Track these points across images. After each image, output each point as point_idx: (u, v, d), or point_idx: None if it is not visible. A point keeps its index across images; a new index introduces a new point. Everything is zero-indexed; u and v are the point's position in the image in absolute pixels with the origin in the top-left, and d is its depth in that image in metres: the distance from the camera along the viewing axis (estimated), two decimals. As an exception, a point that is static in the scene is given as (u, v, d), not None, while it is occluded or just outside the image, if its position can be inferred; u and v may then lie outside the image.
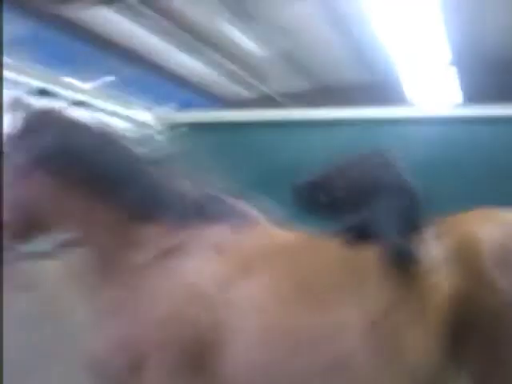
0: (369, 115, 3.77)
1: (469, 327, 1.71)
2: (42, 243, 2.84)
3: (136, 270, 2.08)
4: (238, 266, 2.02)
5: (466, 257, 1.77)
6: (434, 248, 1.84)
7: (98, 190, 2.18)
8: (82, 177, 2.18)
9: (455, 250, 1.80)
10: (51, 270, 3.13)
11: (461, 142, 3.45)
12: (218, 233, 2.14)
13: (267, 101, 14.91)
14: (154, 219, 2.15)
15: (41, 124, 2.28)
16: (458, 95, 13.05)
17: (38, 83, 3.28)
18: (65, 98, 3.49)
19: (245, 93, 14.90)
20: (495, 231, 1.79)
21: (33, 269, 2.99)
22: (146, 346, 1.93)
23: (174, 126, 4.23)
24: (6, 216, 2.23)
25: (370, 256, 1.90)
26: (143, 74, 13.28)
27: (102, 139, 2.29)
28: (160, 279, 2.03)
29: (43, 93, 3.32)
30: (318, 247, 2.03)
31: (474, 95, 11.45)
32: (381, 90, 12.99)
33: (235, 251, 2.09)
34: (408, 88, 12.95)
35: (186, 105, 15.23)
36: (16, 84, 3.15)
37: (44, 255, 2.97)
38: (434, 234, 1.89)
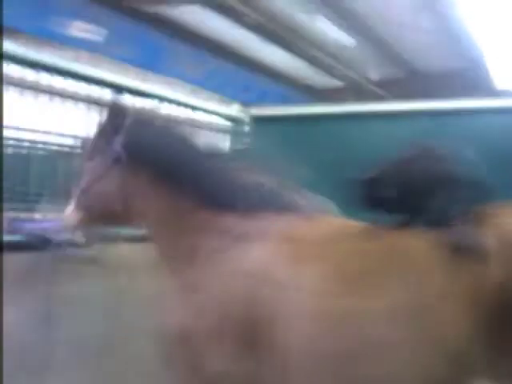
0: (448, 106, 3.69)
1: (506, 316, 1.73)
2: (126, 229, 3.13)
3: (210, 255, 2.30)
4: (300, 253, 2.18)
5: (509, 248, 1.79)
6: (485, 237, 1.87)
7: (177, 182, 2.45)
8: (164, 171, 2.46)
9: (505, 241, 1.83)
10: (134, 254, 3.40)
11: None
12: (287, 220, 2.31)
13: (356, 89, 14.75)
14: (226, 209, 2.37)
15: (126, 123, 2.56)
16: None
17: (126, 80, 3.48)
18: (153, 95, 3.68)
19: (335, 82, 14.81)
20: None
21: (117, 252, 3.28)
22: (220, 320, 2.15)
23: (259, 119, 4.36)
24: (94, 204, 2.57)
25: (421, 243, 1.96)
26: (232, 68, 13.61)
27: (181, 136, 2.56)
28: (236, 262, 2.23)
29: (132, 91, 3.54)
30: (373, 235, 2.11)
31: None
32: (470, 77, 12.48)
33: (302, 237, 2.24)
34: (497, 76, 12.30)
35: (276, 97, 15.46)
36: (104, 82, 3.34)
37: (128, 240, 3.26)
38: (485, 223, 1.92)
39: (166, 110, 3.81)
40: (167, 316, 2.34)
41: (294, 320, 2.04)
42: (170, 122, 2.72)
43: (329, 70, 13.80)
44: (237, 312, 2.14)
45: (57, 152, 3.79)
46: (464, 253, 1.86)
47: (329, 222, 2.37)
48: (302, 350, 2.02)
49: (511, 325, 1.74)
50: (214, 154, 2.55)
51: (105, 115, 2.63)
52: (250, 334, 2.11)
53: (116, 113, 2.58)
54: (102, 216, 2.61)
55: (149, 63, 12.17)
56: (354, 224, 2.34)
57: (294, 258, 2.17)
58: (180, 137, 2.56)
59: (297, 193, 2.46)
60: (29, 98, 3.05)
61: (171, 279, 2.47)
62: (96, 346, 3.18)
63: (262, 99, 14.38)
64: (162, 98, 3.65)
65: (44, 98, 2.98)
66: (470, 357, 1.80)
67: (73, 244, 2.72)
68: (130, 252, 3.40)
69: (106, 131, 2.60)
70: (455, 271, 1.85)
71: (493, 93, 12.18)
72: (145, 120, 2.64)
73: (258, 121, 4.37)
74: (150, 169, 2.48)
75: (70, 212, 2.66)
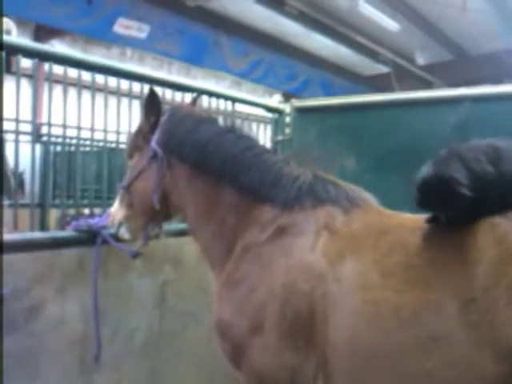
0: (495, 91, 3.54)
1: None
2: (179, 223, 3.18)
3: (257, 247, 2.33)
4: (347, 245, 2.17)
5: None
6: None
7: (216, 176, 2.48)
8: (201, 165, 2.50)
9: None
10: (181, 247, 3.44)
11: None
12: (329, 213, 2.30)
13: (404, 75, 14.44)
14: (272, 201, 2.39)
15: (173, 118, 2.62)
16: None
17: (168, 75, 3.52)
18: (195, 89, 3.69)
19: (380, 68, 14.55)
20: None
21: (164, 246, 3.34)
22: (264, 313, 2.18)
23: (301, 110, 4.33)
24: (135, 201, 2.66)
25: (472, 235, 1.89)
26: (276, 57, 13.55)
27: (226, 130, 2.58)
28: (277, 255, 2.26)
29: (174, 85, 3.55)
30: (421, 227, 2.06)
31: None
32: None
33: (344, 230, 2.23)
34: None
35: (325, 86, 15.32)
36: (146, 78, 3.36)
37: (182, 233, 3.30)
38: None
39: (208, 102, 3.82)
40: (217, 312, 2.38)
41: (341, 314, 2.03)
42: (210, 115, 2.71)
43: (374, 56, 13.55)
44: (284, 307, 2.15)
45: (103, 149, 3.87)
46: None
47: (372, 213, 2.34)
48: (349, 345, 2.00)
49: None
50: (253, 147, 2.54)
51: (144, 111, 2.67)
52: (297, 329, 2.12)
53: (152, 109, 2.61)
54: (144, 212, 2.66)
55: (192, 57, 12.28)
56: (395, 215, 2.32)
57: (337, 250, 2.15)
58: (218, 130, 2.56)
59: (341, 186, 2.44)
60: (73, 95, 3.11)
61: (217, 275, 2.50)
62: (145, 337, 3.25)
63: (306, 88, 14.30)
64: (203, 92, 3.66)
65: (88, 95, 3.03)
66: None
67: (119, 239, 2.78)
68: (177, 245, 3.45)
69: (144, 128, 2.65)
70: (502, 262, 1.79)
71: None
72: (182, 115, 2.64)
73: (300, 111, 4.34)
74: (186, 164, 2.53)
75: (115, 208, 2.74)
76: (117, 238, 2.78)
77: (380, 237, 2.14)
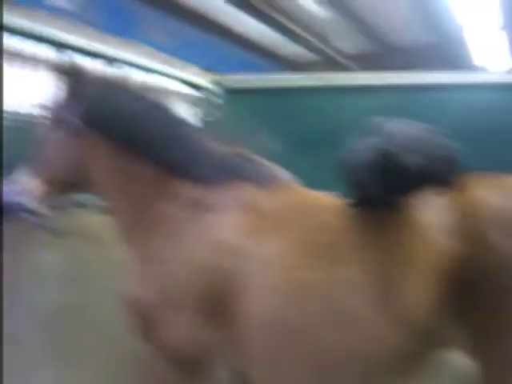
0: (423, 81, 3.70)
1: (469, 288, 1.76)
2: (88, 197, 3.08)
3: (175, 223, 2.28)
4: (267, 223, 2.17)
5: (471, 220, 1.82)
6: (444, 209, 1.90)
7: (145, 152, 2.40)
8: (126, 136, 2.40)
9: (462, 212, 1.85)
10: (96, 222, 3.35)
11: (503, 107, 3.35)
12: (250, 191, 2.30)
13: (330, 62, 14.69)
14: (193, 178, 2.34)
15: (97, 90, 2.48)
16: (508, 60, 12.39)
17: (92, 45, 3.36)
18: (124, 61, 3.57)
19: (308, 55, 14.70)
20: (500, 196, 1.83)
21: (82, 222, 3.25)
22: (179, 289, 2.16)
23: (229, 90, 4.31)
24: (55, 176, 2.52)
25: (386, 213, 1.98)
26: (204, 36, 13.36)
27: (146, 102, 2.48)
28: (195, 231, 2.22)
29: (97, 55, 3.41)
30: (339, 207, 2.12)
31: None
32: (445, 52, 12.54)
33: (265, 209, 2.24)
34: (474, 51, 12.39)
35: (248, 67, 15.29)
36: (67, 46, 3.22)
37: (90, 208, 3.23)
38: (447, 196, 1.94)
39: (137, 77, 3.72)
40: (129, 287, 2.30)
41: (257, 292, 2.04)
42: (137, 89, 2.62)
43: (304, 43, 13.66)
44: (200, 283, 2.13)
45: (18, 121, 3.68)
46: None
47: (289, 192, 2.37)
48: (265, 322, 2.02)
49: (474, 297, 1.77)
50: (178, 123, 2.48)
51: (65, 82, 2.52)
52: (212, 306, 2.11)
53: (74, 81, 2.48)
54: (64, 188, 2.55)
55: (122, 30, 11.86)
56: (319, 196, 2.36)
57: (259, 229, 2.15)
58: (143, 104, 2.47)
59: (263, 164, 2.45)
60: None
61: (133, 251, 2.41)
62: (52, 312, 3.15)
63: (236, 70, 14.22)
64: (132, 65, 3.55)
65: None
66: (434, 329, 1.84)
67: (36, 214, 2.65)
68: (96, 221, 3.35)
69: (64, 100, 2.50)
70: (417, 244, 1.87)
71: (469, 68, 12.30)
72: (106, 87, 2.52)
73: (231, 92, 4.32)
74: (109, 139, 2.42)
75: (30, 182, 2.57)
76: (33, 213, 2.64)
77: (299, 215, 2.18)
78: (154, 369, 2.31)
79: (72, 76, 2.49)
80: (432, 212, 1.92)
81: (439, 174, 1.96)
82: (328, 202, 2.25)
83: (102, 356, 3.53)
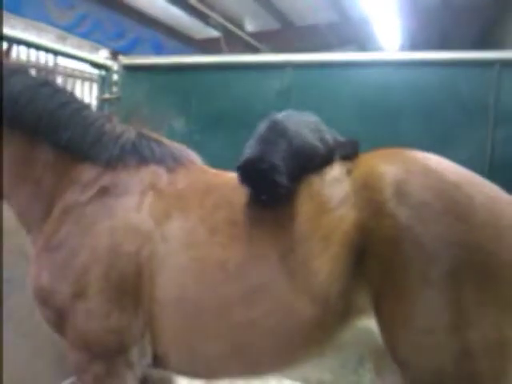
0: (317, 58, 3.79)
1: (370, 254, 1.85)
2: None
3: (78, 208, 2.21)
4: (173, 203, 2.18)
5: (368, 190, 1.90)
6: (343, 183, 1.98)
7: (39, 133, 2.29)
8: (24, 121, 2.28)
9: (360, 184, 1.94)
10: (6, 211, 3.19)
11: (400, 85, 3.52)
12: (153, 172, 2.29)
13: (234, 40, 14.66)
14: (93, 160, 2.29)
15: None
16: (399, 40, 13.07)
17: None
18: (15, 39, 3.36)
19: (211, 32, 14.59)
20: (395, 167, 1.92)
21: None
22: (88, 277, 2.10)
23: (130, 68, 4.20)
24: None
25: (291, 192, 2.04)
26: (104, 13, 12.87)
27: (40, 83, 2.36)
28: (100, 216, 2.17)
29: None
30: (237, 185, 2.14)
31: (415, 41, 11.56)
32: (348, 31, 12.93)
33: (170, 189, 2.23)
34: (375, 32, 12.87)
35: (156, 46, 14.94)
36: None
37: None
38: (346, 170, 2.03)
39: (26, 55, 3.52)
40: (37, 278, 2.21)
41: (165, 272, 2.05)
42: (22, 66, 2.47)
43: (205, 20, 13.53)
44: (109, 269, 2.09)
45: None
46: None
47: (197, 171, 2.37)
48: (176, 301, 2.03)
49: (375, 263, 1.84)
50: (71, 102, 2.36)
51: None
52: (124, 290, 2.08)
53: None
54: None
55: (11, 6, 11.13)
56: (222, 174, 2.38)
57: (162, 210, 2.15)
58: (31, 82, 2.34)
59: (166, 145, 2.42)
60: None
61: (37, 241, 2.31)
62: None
63: (135, 47, 13.85)
64: (20, 42, 3.35)
65: None
66: (344, 297, 1.90)
67: None
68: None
69: None
70: (316, 215, 1.94)
71: (367, 47, 12.76)
72: None
73: (129, 70, 4.21)
74: (1, 119, 2.28)
75: None
76: None
77: (205, 195, 2.19)
78: (71, 360, 2.23)
79: None
80: (334, 185, 1.99)
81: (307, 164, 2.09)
82: (231, 179, 2.26)
83: (20, 349, 3.42)
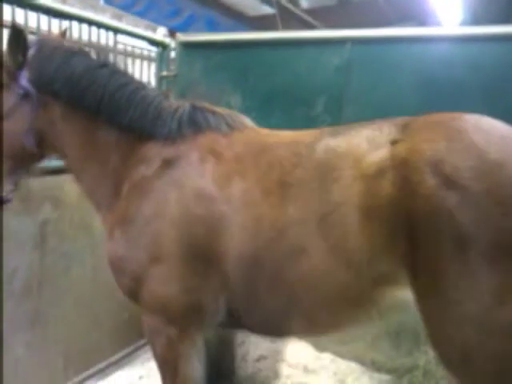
0: (375, 34, 3.70)
1: (406, 231, 1.84)
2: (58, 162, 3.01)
3: (146, 182, 2.34)
4: (231, 167, 2.27)
5: (407, 168, 1.85)
6: (385, 153, 1.95)
7: (102, 114, 2.40)
8: (86, 103, 2.39)
9: (400, 160, 1.89)
10: (59, 186, 3.31)
11: (462, 60, 3.39)
12: (211, 139, 2.38)
13: (289, 17, 14.51)
14: (154, 136, 2.40)
15: (40, 52, 2.41)
16: (460, 15, 12.51)
17: (49, 3, 3.19)
18: (73, 16, 3.42)
19: (265, 9, 14.47)
20: (437, 145, 1.84)
21: (53, 185, 3.21)
22: (162, 242, 2.24)
23: (187, 45, 4.22)
24: (20, 141, 2.43)
25: (338, 155, 2.07)
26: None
27: (101, 64, 2.45)
28: (167, 186, 2.30)
29: (52, 12, 3.24)
30: (297, 144, 2.22)
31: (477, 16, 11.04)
32: (407, 6, 12.55)
33: (227, 154, 2.33)
34: (432, 6, 12.41)
35: (210, 24, 14.96)
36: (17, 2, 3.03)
37: (61, 171, 3.16)
38: (391, 140, 1.99)
39: (87, 34, 3.59)
40: (113, 249, 2.36)
41: (231, 231, 2.16)
42: (82, 47, 2.54)
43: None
44: (181, 233, 2.22)
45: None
46: None
47: (252, 134, 2.46)
48: (241, 258, 2.15)
49: (411, 238, 1.84)
50: (129, 82, 2.47)
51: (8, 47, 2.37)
52: (196, 252, 2.21)
53: (17, 45, 2.36)
54: (13, 156, 2.45)
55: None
56: (272, 134, 2.45)
57: (222, 174, 2.25)
58: (91, 64, 2.43)
59: (215, 111, 2.50)
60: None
61: (106, 212, 2.47)
62: (25, 278, 3.13)
63: (190, 26, 13.91)
64: (81, 19, 3.41)
65: None
66: (376, 266, 1.93)
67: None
68: (56, 183, 3.29)
69: (8, 64, 2.39)
70: (354, 182, 1.96)
71: (426, 23, 12.35)
72: (51, 48, 2.44)
73: (186, 47, 4.24)
74: (61, 102, 2.39)
75: None
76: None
77: (260, 155, 2.27)
78: (146, 324, 2.38)
79: (18, 42, 2.36)
80: (376, 154, 1.97)
81: None
82: (283, 138, 2.33)
83: (80, 321, 3.56)
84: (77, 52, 2.47)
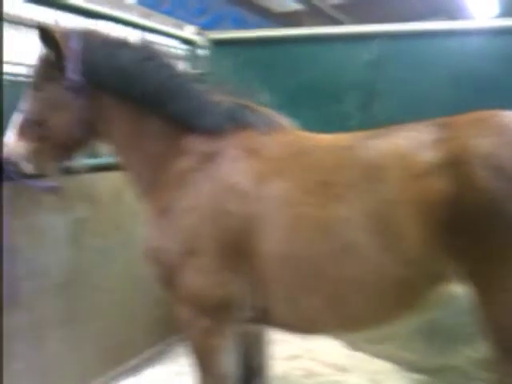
0: (406, 28, 3.65)
1: (461, 226, 1.89)
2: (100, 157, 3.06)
3: (185, 174, 2.38)
4: (269, 165, 2.29)
5: (459, 164, 1.91)
6: (432, 151, 1.99)
7: (146, 104, 2.46)
8: (130, 93, 2.44)
9: (450, 156, 1.94)
10: (94, 184, 3.38)
11: (496, 54, 3.32)
12: (250, 137, 2.40)
13: (316, 13, 14.44)
14: (197, 129, 2.44)
15: (87, 45, 2.46)
16: (491, 9, 12.22)
17: (84, 3, 3.23)
18: (106, 16, 3.45)
19: (293, 5, 14.42)
20: (487, 139, 1.92)
21: (87, 183, 3.28)
22: (196, 235, 2.28)
23: (216, 42, 4.24)
24: (51, 135, 2.49)
25: (379, 155, 2.08)
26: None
27: (148, 56, 2.50)
28: (205, 180, 2.34)
29: (82, 11, 3.29)
30: (335, 147, 2.24)
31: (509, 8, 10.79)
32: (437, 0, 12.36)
33: (265, 153, 2.34)
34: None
35: (237, 21, 14.97)
36: (56, 4, 3.08)
37: (96, 169, 3.25)
38: (437, 138, 2.02)
39: (119, 32, 3.61)
40: (150, 239, 2.41)
41: (269, 229, 2.17)
42: (127, 40, 2.58)
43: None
44: (217, 228, 2.25)
45: (9, 82, 3.57)
46: None
47: (291, 134, 2.46)
48: (278, 256, 2.16)
49: (464, 232, 1.89)
50: (176, 75, 2.53)
51: (49, 40, 2.43)
52: (230, 247, 2.24)
53: (51, 43, 2.42)
54: (61, 145, 2.53)
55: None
56: (310, 136, 2.46)
57: (263, 172, 2.27)
58: (139, 56, 2.48)
59: (262, 112, 2.53)
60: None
61: (146, 201, 2.53)
62: (60, 275, 3.18)
63: (217, 23, 13.95)
64: (116, 20, 3.44)
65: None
66: (428, 262, 1.97)
67: (30, 175, 2.61)
68: (90, 181, 3.35)
69: (54, 58, 2.45)
70: (404, 180, 1.98)
71: (457, 15, 12.14)
72: (98, 41, 2.49)
73: (216, 44, 4.25)
74: (110, 93, 2.46)
75: (13, 141, 2.50)
76: (20, 172, 2.58)
77: (298, 156, 2.29)
78: (179, 316, 2.41)
79: (49, 40, 2.42)
80: (423, 151, 2.00)
81: None
82: (321, 141, 2.34)
83: (113, 317, 3.61)
84: (124, 44, 2.52)
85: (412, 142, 2.05)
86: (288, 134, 2.45)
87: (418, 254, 1.94)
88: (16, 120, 2.49)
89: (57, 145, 2.52)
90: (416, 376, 3.72)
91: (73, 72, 2.42)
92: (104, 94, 2.46)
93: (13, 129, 2.50)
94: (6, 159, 2.53)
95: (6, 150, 2.51)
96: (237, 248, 2.21)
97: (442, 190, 1.90)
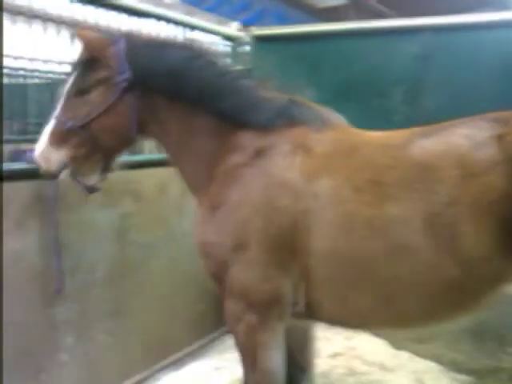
0: (454, 21, 3.57)
1: None
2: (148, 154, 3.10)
3: (237, 169, 2.40)
4: (321, 162, 2.28)
5: None
6: (492, 148, 1.95)
7: (197, 102, 2.47)
8: (187, 92, 2.46)
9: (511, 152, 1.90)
10: (139, 180, 3.45)
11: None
12: (303, 134, 2.39)
13: (359, 7, 14.28)
14: (249, 125, 2.44)
15: (136, 47, 2.49)
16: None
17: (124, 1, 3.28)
18: (150, 14, 3.49)
19: (336, 1, 14.30)
20: None
21: (134, 179, 3.33)
22: (247, 230, 2.29)
23: (261, 39, 4.23)
24: (101, 137, 2.49)
25: (435, 155, 2.05)
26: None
27: (195, 55, 2.51)
28: (257, 175, 2.35)
29: (125, 9, 3.33)
30: (388, 145, 2.22)
31: None
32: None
33: (318, 149, 2.33)
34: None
35: (280, 17, 14.96)
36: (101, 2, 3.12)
37: (141, 166, 3.31)
38: (496, 135, 1.98)
39: (163, 31, 3.66)
40: (201, 234, 2.44)
41: (319, 226, 2.17)
42: (174, 41, 2.61)
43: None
44: (268, 223, 2.26)
45: (55, 80, 3.66)
46: None
47: (342, 132, 2.45)
48: (329, 254, 2.16)
49: None
50: (225, 72, 2.54)
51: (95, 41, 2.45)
52: (280, 243, 2.24)
53: (105, 40, 2.45)
54: (109, 149, 2.54)
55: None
56: (363, 134, 2.43)
57: (314, 169, 2.26)
58: (187, 55, 2.50)
59: (314, 108, 2.51)
60: (21, 25, 2.86)
61: (198, 198, 2.56)
62: (106, 269, 3.25)
63: (261, 19, 13.95)
64: (159, 18, 3.48)
65: (37, 25, 2.80)
66: (485, 263, 1.93)
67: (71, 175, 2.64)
68: (136, 178, 3.40)
69: (101, 61, 2.46)
70: (463, 180, 1.95)
71: (502, 7, 11.78)
72: (144, 42, 2.53)
73: (260, 41, 4.25)
74: (161, 93, 2.48)
75: (48, 149, 2.46)
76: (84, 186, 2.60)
77: (350, 154, 2.27)
78: (227, 310, 2.42)
79: (108, 35, 2.48)
80: (482, 149, 1.96)
81: None
82: (373, 139, 2.32)
83: (156, 311, 3.66)
84: (169, 45, 2.55)
85: (467, 139, 2.01)
86: (340, 131, 2.43)
87: (474, 254, 1.91)
88: (50, 128, 2.47)
89: (105, 147, 2.52)
90: (463, 377, 3.63)
91: (123, 74, 2.44)
92: (154, 94, 2.48)
93: (48, 137, 2.47)
94: (47, 171, 2.50)
95: (43, 159, 2.48)
96: (286, 244, 2.22)
97: (501, 189, 1.86)
